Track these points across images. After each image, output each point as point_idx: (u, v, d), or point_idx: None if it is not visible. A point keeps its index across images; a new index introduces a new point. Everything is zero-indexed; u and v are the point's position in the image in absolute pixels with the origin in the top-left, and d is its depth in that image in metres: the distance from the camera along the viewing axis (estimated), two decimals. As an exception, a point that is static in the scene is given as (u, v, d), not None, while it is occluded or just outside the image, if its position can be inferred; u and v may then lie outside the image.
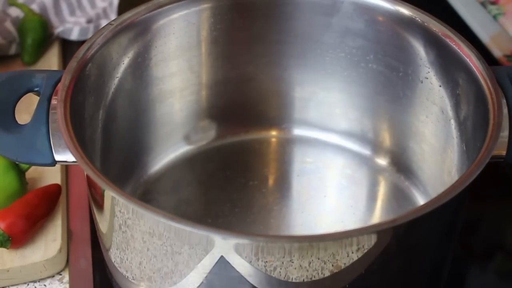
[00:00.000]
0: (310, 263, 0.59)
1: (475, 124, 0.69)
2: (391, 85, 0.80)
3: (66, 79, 0.67)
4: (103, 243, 0.69)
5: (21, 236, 0.75)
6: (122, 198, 0.60)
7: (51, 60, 0.98)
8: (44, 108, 0.67)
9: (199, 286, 0.62)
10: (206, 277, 0.61)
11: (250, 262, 0.59)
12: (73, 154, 0.62)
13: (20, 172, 0.79)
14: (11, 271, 0.75)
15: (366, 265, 0.61)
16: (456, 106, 0.73)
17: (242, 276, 0.60)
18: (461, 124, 0.73)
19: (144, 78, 0.78)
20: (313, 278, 0.60)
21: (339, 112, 0.84)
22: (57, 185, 0.80)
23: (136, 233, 0.62)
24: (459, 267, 0.77)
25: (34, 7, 1.01)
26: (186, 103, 0.83)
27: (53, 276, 0.77)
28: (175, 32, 0.78)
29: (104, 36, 0.72)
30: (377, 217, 0.80)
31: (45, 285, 0.76)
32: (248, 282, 0.60)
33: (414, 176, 0.81)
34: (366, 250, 0.59)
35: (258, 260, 0.59)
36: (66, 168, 0.84)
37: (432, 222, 0.63)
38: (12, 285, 0.76)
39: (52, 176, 0.82)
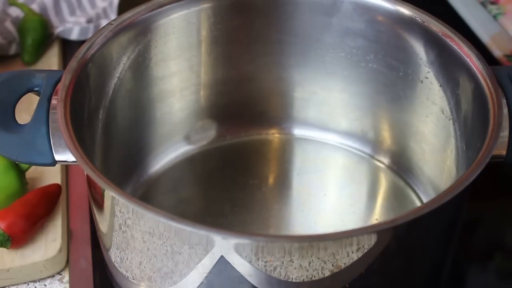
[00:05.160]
0: (310, 263, 0.59)
1: (475, 124, 0.69)
2: (391, 85, 0.80)
3: (66, 79, 0.68)
4: (103, 243, 0.69)
5: (21, 236, 0.75)
6: (122, 198, 0.60)
7: (51, 60, 0.98)
8: (44, 108, 0.67)
9: (199, 286, 0.62)
10: (206, 277, 0.61)
11: (250, 262, 0.59)
12: (73, 154, 0.62)
13: (20, 172, 0.79)
14: (11, 271, 0.75)
15: (366, 265, 0.61)
16: (456, 106, 0.73)
17: (242, 276, 0.60)
18: (461, 124, 0.73)
19: (144, 78, 0.78)
20: (313, 278, 0.60)
21: (339, 112, 0.84)
22: (57, 185, 0.80)
23: (136, 233, 0.63)
24: (459, 267, 0.77)
25: (34, 7, 1.01)
26: (186, 103, 0.83)
27: (53, 276, 0.77)
28: (175, 32, 0.78)
29: (104, 36, 0.72)
30: (377, 217, 0.80)
31: (45, 285, 0.76)
32: (248, 282, 0.60)
33: (414, 176, 0.81)
34: (366, 250, 0.59)
35: (258, 260, 0.59)
36: (66, 168, 0.84)
37: (432, 222, 0.63)
38: (12, 285, 0.76)
39: (52, 176, 0.82)
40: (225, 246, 0.59)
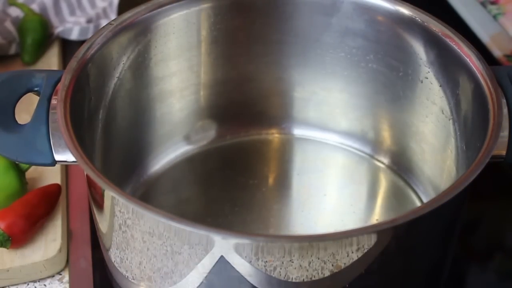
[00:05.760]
0: (310, 263, 0.59)
1: (475, 124, 0.69)
2: (391, 85, 0.80)
3: (66, 79, 0.68)
4: (103, 243, 0.69)
5: (21, 236, 0.75)
6: (122, 198, 0.60)
7: (51, 60, 0.98)
8: (44, 108, 0.67)
9: (199, 286, 0.62)
10: (206, 277, 0.61)
11: (250, 262, 0.59)
12: (73, 154, 0.62)
13: (20, 172, 0.79)
14: (11, 271, 0.75)
15: (366, 265, 0.61)
16: (456, 106, 0.73)
17: (242, 276, 0.60)
18: (461, 124, 0.73)
19: (144, 78, 0.78)
20: (313, 278, 0.60)
21: (339, 112, 0.84)
22: (57, 185, 0.80)
23: (136, 233, 0.63)
24: (459, 267, 0.77)
25: (34, 7, 1.01)
26: (186, 103, 0.83)
27: (53, 276, 0.77)
28: (175, 32, 0.78)
29: (104, 36, 0.72)
30: (377, 217, 0.80)
31: (45, 285, 0.76)
32: (248, 282, 0.60)
33: (414, 176, 0.81)
34: (366, 250, 0.59)
35: (258, 260, 0.59)
36: (66, 168, 0.84)
37: (432, 222, 0.63)
38: (12, 285, 0.76)
39: (52, 176, 0.82)
40: (225, 246, 0.59)
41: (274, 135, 0.87)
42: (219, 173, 0.84)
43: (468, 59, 0.71)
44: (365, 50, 0.79)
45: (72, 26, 1.00)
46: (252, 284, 0.61)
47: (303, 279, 0.60)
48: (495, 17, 1.01)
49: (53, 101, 0.67)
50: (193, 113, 0.84)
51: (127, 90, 0.77)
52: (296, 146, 0.86)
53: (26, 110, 0.74)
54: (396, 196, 0.82)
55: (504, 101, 0.67)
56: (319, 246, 0.58)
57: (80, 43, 0.95)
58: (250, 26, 0.81)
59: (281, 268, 0.59)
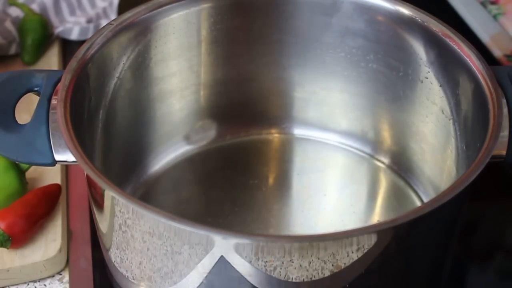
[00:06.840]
0: (310, 263, 0.59)
1: (475, 124, 0.69)
2: (391, 85, 0.80)
3: (66, 79, 0.68)
4: (103, 243, 0.69)
5: (21, 236, 0.75)
6: (122, 198, 0.60)
7: (51, 60, 0.98)
8: (44, 108, 0.67)
9: (199, 286, 0.62)
10: (206, 277, 0.61)
11: (250, 262, 0.59)
12: (73, 154, 0.62)
13: (20, 172, 0.79)
14: (11, 271, 0.75)
15: (366, 265, 0.61)
16: (456, 106, 0.73)
17: (242, 276, 0.60)
18: (461, 124, 0.73)
19: (144, 78, 0.78)
20: (313, 278, 0.60)
21: (339, 111, 0.84)
22: (57, 185, 0.80)
23: (136, 233, 0.63)
24: (459, 267, 0.77)
25: (34, 7, 1.01)
26: (186, 103, 0.83)
27: (53, 276, 0.77)
28: (175, 32, 0.78)
29: (104, 36, 0.72)
30: (377, 217, 0.80)
31: (45, 285, 0.76)
32: (248, 282, 0.60)
33: (414, 176, 0.81)
34: (366, 250, 0.59)
35: (258, 260, 0.59)
36: (66, 168, 0.84)
37: (432, 222, 0.63)
38: (12, 285, 0.76)
39: (52, 176, 0.82)
40: (225, 246, 0.59)
41: (274, 135, 0.87)
42: (219, 173, 0.84)
43: (468, 59, 0.71)
44: (365, 50, 0.79)
45: (72, 26, 1.00)
46: (252, 284, 0.61)
47: (303, 279, 0.60)
48: (495, 17, 1.01)
49: (53, 101, 0.67)
50: (193, 113, 0.84)
51: (127, 90, 0.77)
52: (296, 146, 0.86)
53: (26, 110, 0.74)
54: (396, 196, 0.82)
55: (504, 101, 0.67)
56: (319, 246, 0.58)
57: (80, 43, 0.95)
58: (250, 26, 0.81)
59: (281, 268, 0.59)
